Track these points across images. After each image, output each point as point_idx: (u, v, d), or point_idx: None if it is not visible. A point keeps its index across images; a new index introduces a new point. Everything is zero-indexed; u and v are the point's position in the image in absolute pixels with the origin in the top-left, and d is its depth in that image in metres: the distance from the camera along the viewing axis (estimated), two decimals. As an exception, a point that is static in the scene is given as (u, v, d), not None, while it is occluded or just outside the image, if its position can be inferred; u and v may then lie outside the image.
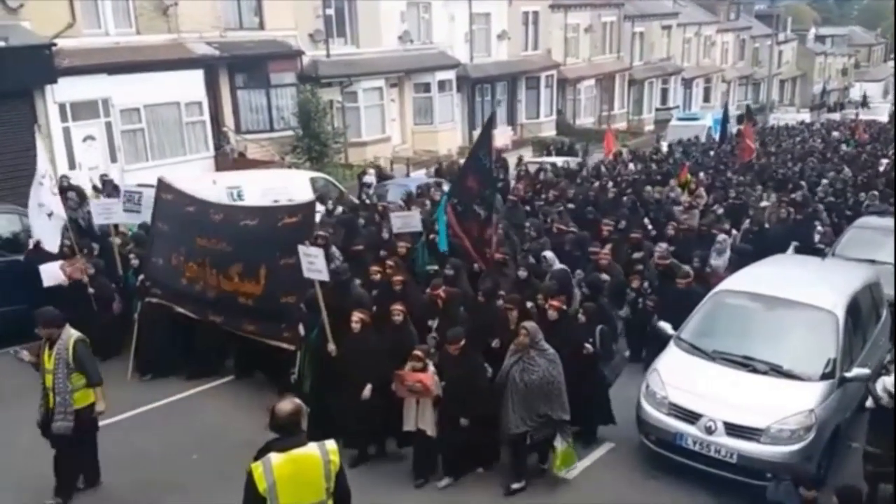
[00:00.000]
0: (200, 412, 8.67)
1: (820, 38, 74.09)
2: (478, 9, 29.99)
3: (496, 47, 31.44)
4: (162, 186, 9.98)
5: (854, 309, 7.99)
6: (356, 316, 7.46)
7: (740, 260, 10.41)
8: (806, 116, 45.26)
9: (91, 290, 9.74)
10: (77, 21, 17.46)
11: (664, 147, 28.18)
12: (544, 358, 6.87)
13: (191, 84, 19.49)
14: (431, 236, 10.73)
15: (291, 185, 14.42)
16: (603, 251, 10.53)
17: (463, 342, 7.05)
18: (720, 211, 14.32)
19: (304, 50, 22.91)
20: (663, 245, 11.13)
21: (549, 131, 33.29)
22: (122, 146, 18.35)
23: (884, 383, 6.39)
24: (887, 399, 6.27)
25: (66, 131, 17.31)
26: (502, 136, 30.55)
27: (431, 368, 7.00)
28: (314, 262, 7.62)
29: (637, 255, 10.97)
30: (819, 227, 13.09)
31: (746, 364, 7.39)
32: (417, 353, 6.99)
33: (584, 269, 10.60)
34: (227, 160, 20.22)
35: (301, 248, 7.73)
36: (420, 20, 27.79)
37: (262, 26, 21.96)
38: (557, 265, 10.50)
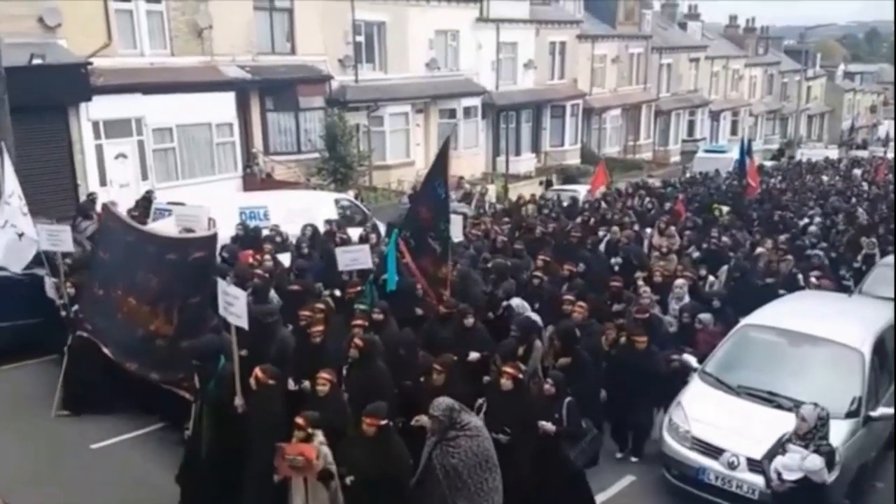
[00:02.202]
0: (122, 463, 7.79)
1: (849, 75, 73.77)
2: (505, 38, 30.31)
3: (522, 76, 31.68)
4: (107, 213, 9.33)
5: (880, 347, 7.88)
6: (321, 377, 6.35)
7: (716, 313, 9.34)
8: (834, 153, 44.87)
9: (63, 314, 9.17)
10: (113, 41, 17.90)
11: (655, 182, 26.61)
12: (466, 436, 5.59)
13: (222, 106, 19.87)
14: (384, 277, 9.32)
15: (316, 206, 14.60)
16: (578, 304, 8.70)
17: (383, 421, 5.72)
18: (696, 255, 13.02)
19: (333, 75, 23.30)
20: (647, 291, 9.81)
21: (573, 159, 33.34)
22: (154, 164, 18.68)
23: (779, 463, 6.06)
24: (776, 481, 6.00)
25: (99, 148, 17.68)
26: (526, 163, 30.83)
27: (319, 438, 5.72)
28: (234, 304, 6.56)
29: (617, 307, 9.53)
30: (813, 277, 11.33)
31: (771, 399, 7.30)
32: (300, 420, 5.72)
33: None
34: (255, 180, 20.49)
35: (221, 285, 6.82)
36: (448, 48, 28.14)
37: (293, 51, 22.38)
38: (529, 313, 9.00)
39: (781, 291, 10.23)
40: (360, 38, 24.67)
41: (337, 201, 15.66)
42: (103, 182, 17.66)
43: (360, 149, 23.54)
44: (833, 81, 67.77)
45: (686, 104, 43.60)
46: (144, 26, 18.75)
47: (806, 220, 17.39)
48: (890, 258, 12.94)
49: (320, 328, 7.53)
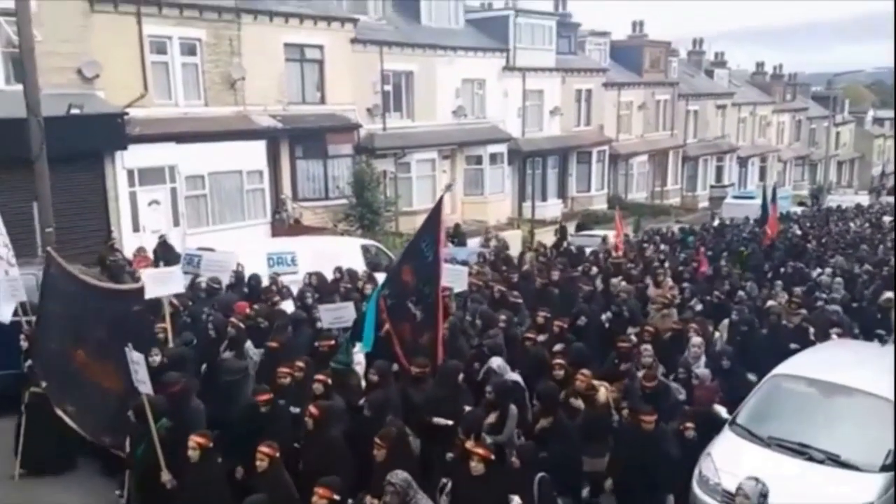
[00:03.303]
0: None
1: (878, 121, 73.22)
2: (531, 86, 30.73)
3: (548, 122, 31.99)
4: (49, 260, 8.63)
5: (916, 398, 7.66)
6: (193, 441, 5.97)
7: (726, 373, 8.95)
8: (864, 199, 44.30)
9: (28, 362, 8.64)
10: (149, 92, 18.44)
11: (673, 228, 25.97)
12: None
13: (253, 154, 20.30)
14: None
15: (343, 252, 14.74)
16: (581, 373, 7.86)
17: (336, 496, 5.32)
18: (698, 307, 12.49)
19: (361, 123, 23.73)
20: (648, 348, 9.02)
21: (600, 205, 33.35)
22: (185, 211, 19.06)
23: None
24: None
25: (133, 195, 18.08)
26: (552, 209, 30.91)
27: None
28: (137, 371, 6.37)
29: (625, 366, 8.83)
30: (834, 335, 10.52)
31: (803, 452, 7.12)
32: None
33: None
34: (283, 226, 20.77)
35: (126, 352, 6.50)
36: (474, 96, 28.59)
37: (323, 100, 22.88)
38: (510, 375, 8.15)
39: (793, 346, 9.66)
40: (389, 88, 25.16)
41: (364, 247, 15.80)
42: (136, 228, 18.04)
43: (387, 195, 23.83)
44: (862, 127, 67.35)
45: (713, 150, 43.55)
46: (179, 78, 19.31)
47: (818, 271, 16.73)
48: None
49: (266, 397, 7.02)
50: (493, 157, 28.32)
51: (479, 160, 28.08)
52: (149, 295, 8.59)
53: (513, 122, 30.06)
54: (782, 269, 16.70)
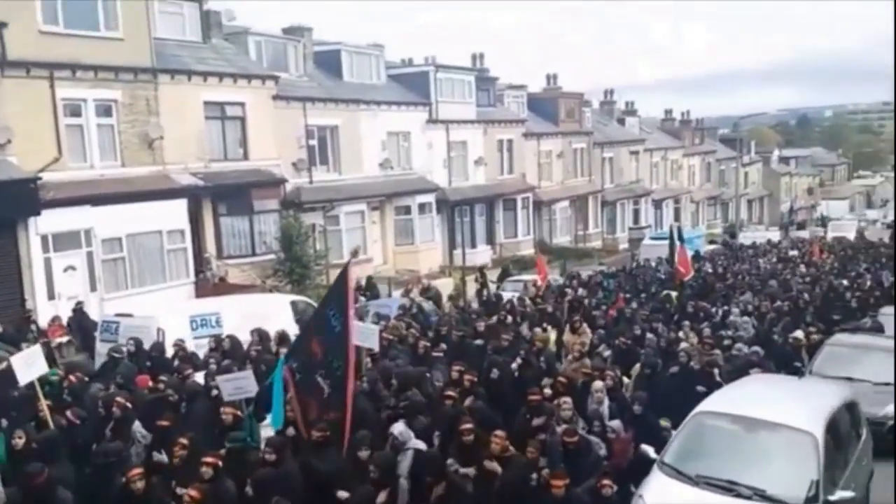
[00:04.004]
0: None
1: (784, 160, 77.86)
2: (455, 137, 31.44)
3: (473, 172, 32.69)
4: None
5: (833, 429, 7.96)
6: None
7: (637, 419, 8.89)
8: (775, 235, 46.61)
9: None
10: (63, 155, 17.91)
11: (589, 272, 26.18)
12: None
13: (173, 213, 19.84)
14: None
15: (271, 310, 14.47)
16: (496, 436, 7.48)
17: None
18: (606, 353, 12.29)
19: (287, 178, 23.63)
20: (568, 401, 8.62)
21: (527, 250, 34.02)
22: (103, 275, 18.40)
23: None
24: None
25: (47, 262, 17.35)
26: (482, 255, 31.30)
27: None
28: None
29: (537, 420, 8.45)
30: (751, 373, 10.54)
31: (730, 489, 7.25)
32: None
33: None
34: (208, 286, 20.29)
35: None
36: (400, 148, 29.02)
37: (246, 156, 22.71)
38: (413, 442, 7.75)
39: (700, 388, 9.69)
40: (314, 142, 25.25)
41: (293, 303, 15.56)
42: (51, 296, 17.26)
43: (317, 248, 23.66)
44: (769, 166, 71.32)
45: (630, 194, 45.34)
46: (95, 139, 18.85)
47: (724, 309, 16.89)
48: (838, 336, 13.31)
49: (136, 472, 6.56)
50: (422, 207, 28.68)
51: (408, 210, 28.38)
52: (21, 381, 8.21)
53: (439, 173, 30.60)
54: (687, 309, 16.70)
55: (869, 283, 21.69)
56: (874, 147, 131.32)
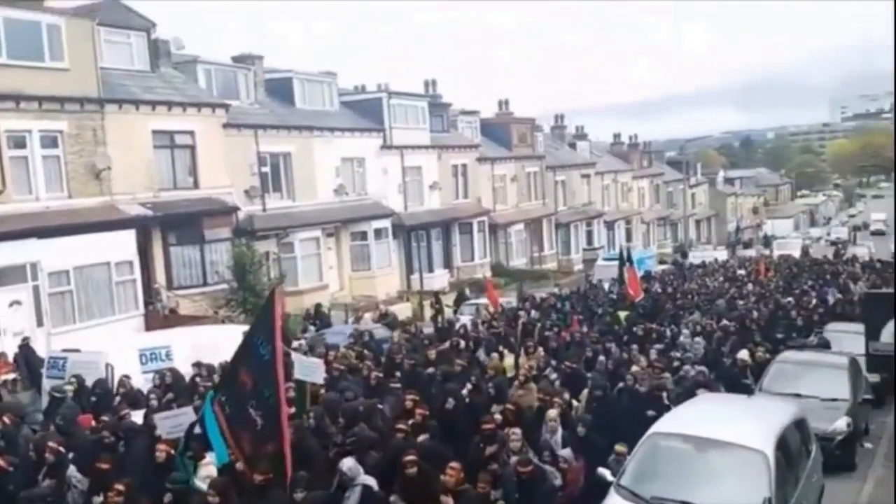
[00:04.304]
0: None
1: (729, 181, 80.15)
2: (409, 162, 31.56)
3: (429, 196, 32.83)
4: None
5: (784, 446, 8.12)
6: None
7: (582, 440, 8.86)
8: (722, 254, 47.73)
9: None
10: (7, 188, 17.47)
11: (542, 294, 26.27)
12: None
13: (122, 244, 19.40)
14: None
15: (223, 341, 14.15)
16: (451, 468, 7.32)
17: None
18: (553, 376, 12.10)
19: (239, 206, 23.35)
20: (517, 432, 8.48)
21: (484, 272, 34.18)
22: (50, 309, 17.86)
23: None
24: None
25: (-9, 297, 16.82)
26: (439, 279, 31.35)
27: None
28: None
29: (490, 449, 8.33)
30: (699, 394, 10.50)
31: (685, 510, 7.36)
32: None
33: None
34: (158, 318, 19.85)
35: None
36: (354, 173, 29.00)
37: (196, 185, 22.41)
38: (362, 478, 7.55)
39: (650, 412, 9.66)
40: (266, 169, 25.05)
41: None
42: (-5, 331, 16.70)
43: (271, 276, 23.38)
44: (715, 187, 73.32)
45: (582, 216, 46.12)
46: (40, 171, 18.43)
47: (672, 330, 16.96)
48: (786, 354, 13.64)
49: None
50: (378, 233, 28.62)
51: (363, 236, 28.28)
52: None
53: (394, 198, 30.63)
54: (634, 330, 16.57)
55: (814, 300, 22.27)
56: (815, 167, 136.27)
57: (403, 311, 24.97)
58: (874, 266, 34.16)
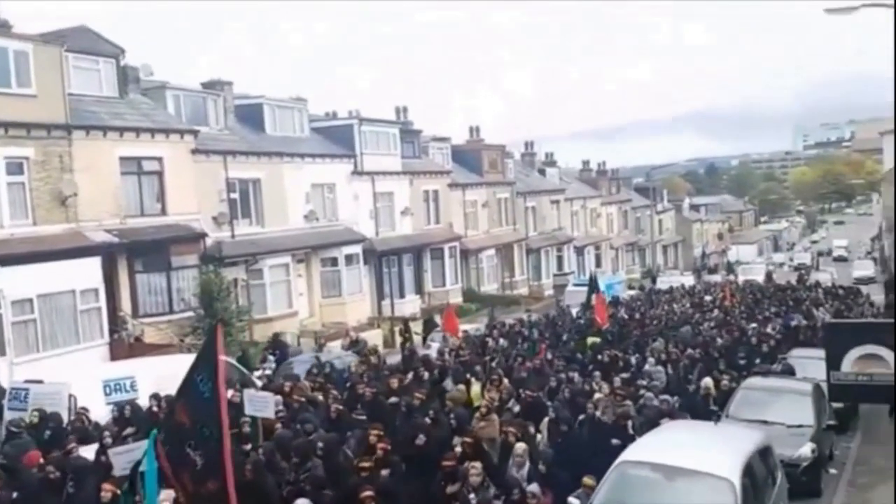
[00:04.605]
0: None
1: (695, 207, 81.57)
2: (381, 188, 31.64)
3: (400, 222, 32.89)
4: None
5: (750, 473, 8.24)
6: None
7: (545, 476, 8.78)
8: (689, 279, 48.27)
9: None
10: (-30, 215, 17.18)
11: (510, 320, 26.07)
12: None
13: (87, 271, 19.05)
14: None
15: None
16: None
17: None
18: (516, 408, 11.86)
19: (207, 232, 23.14)
20: (477, 466, 8.29)
21: (456, 298, 34.21)
22: (12, 338, 17.44)
23: None
24: None
25: (-50, 328, 16.41)
26: (411, 305, 31.30)
27: None
28: None
29: (452, 488, 8.27)
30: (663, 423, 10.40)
31: (654, 539, 7.41)
32: None
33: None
34: (123, 346, 19.51)
35: None
36: (325, 199, 28.94)
37: (164, 212, 22.18)
38: None
39: (615, 441, 9.71)
40: (235, 195, 24.89)
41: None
42: (-45, 365, 16.25)
43: (239, 304, 23.14)
44: (681, 213, 74.56)
45: (553, 242, 46.53)
46: (5, 197, 18.13)
47: (637, 357, 16.84)
48: (751, 380, 13.80)
49: None
50: (349, 258, 28.53)
51: (334, 262, 28.16)
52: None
53: (366, 223, 30.61)
54: (600, 357, 16.34)
55: (778, 326, 22.48)
56: (778, 193, 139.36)
57: (374, 337, 24.84)
58: (836, 293, 34.89)
